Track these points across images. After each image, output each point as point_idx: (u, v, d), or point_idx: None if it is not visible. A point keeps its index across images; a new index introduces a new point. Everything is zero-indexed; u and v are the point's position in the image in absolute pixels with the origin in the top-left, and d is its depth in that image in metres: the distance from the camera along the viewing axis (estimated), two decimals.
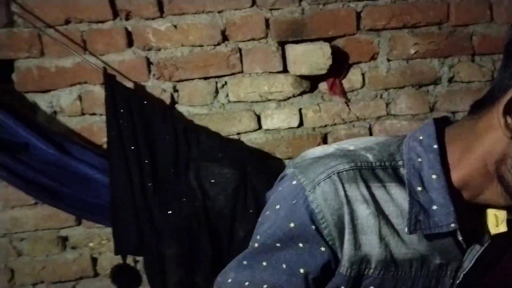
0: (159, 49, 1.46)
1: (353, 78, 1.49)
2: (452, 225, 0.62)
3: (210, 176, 1.29)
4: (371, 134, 1.52)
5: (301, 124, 1.51)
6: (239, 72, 1.47)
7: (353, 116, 1.50)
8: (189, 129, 1.34)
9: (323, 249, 0.64)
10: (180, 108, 1.49)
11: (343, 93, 1.48)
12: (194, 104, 1.49)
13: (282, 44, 1.46)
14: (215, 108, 1.49)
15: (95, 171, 1.22)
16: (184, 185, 1.27)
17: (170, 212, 1.23)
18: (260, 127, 1.51)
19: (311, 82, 1.50)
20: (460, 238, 0.63)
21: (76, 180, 1.20)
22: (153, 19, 1.43)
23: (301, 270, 0.65)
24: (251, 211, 1.31)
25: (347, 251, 0.64)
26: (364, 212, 0.64)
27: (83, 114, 1.47)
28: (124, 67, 1.45)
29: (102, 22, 1.42)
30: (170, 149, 1.28)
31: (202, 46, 1.45)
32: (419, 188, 0.64)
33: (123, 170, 1.21)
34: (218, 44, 1.45)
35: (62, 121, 1.46)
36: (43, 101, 1.45)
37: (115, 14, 1.42)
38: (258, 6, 1.43)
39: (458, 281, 0.68)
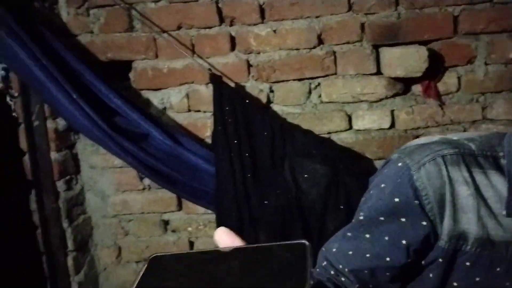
0: (258, 53, 1.57)
1: (448, 81, 1.49)
2: None
3: (304, 171, 1.37)
4: None
5: (392, 125, 1.55)
6: (332, 74, 1.54)
7: (447, 119, 1.51)
8: (285, 126, 1.44)
9: (424, 223, 0.70)
10: (275, 107, 1.59)
11: (438, 96, 1.49)
12: (288, 104, 1.59)
13: (376, 47, 1.51)
14: (308, 108, 1.58)
15: (202, 161, 1.36)
16: (279, 178, 1.36)
17: (266, 202, 1.33)
18: (350, 127, 1.56)
19: (404, 84, 1.53)
20: None
21: (187, 168, 1.34)
22: (255, 24, 1.55)
23: (403, 242, 0.71)
24: (341, 207, 1.37)
25: (446, 226, 0.69)
26: (464, 192, 0.69)
27: (189, 110, 1.62)
28: (227, 69, 1.58)
29: (210, 28, 1.57)
30: (268, 144, 1.38)
31: (298, 49, 1.54)
32: None
33: (227, 162, 1.33)
34: (314, 47, 1.53)
35: (171, 116, 1.63)
36: (155, 98, 1.63)
37: (221, 21, 1.56)
38: (354, 11, 1.49)
39: None
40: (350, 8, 1.49)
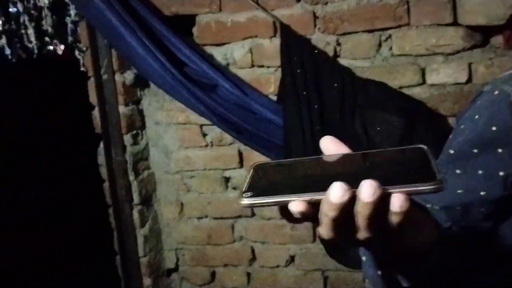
0: (325, 3, 1.51)
1: None
2: None
3: (376, 123, 1.31)
4: None
5: (469, 80, 1.45)
6: (405, 25, 1.46)
7: None
8: (356, 77, 1.38)
9: None
10: (342, 61, 1.52)
11: None
12: (356, 57, 1.52)
13: None
14: (378, 62, 1.50)
15: (270, 113, 1.33)
16: (349, 131, 1.31)
17: None
18: (424, 82, 1.48)
19: (483, 35, 1.42)
20: None
21: (254, 119, 1.32)
22: None
23: (501, 173, 0.66)
24: None
25: None
26: None
27: (252, 66, 1.59)
28: (292, 21, 1.52)
29: None
30: (337, 95, 1.33)
31: None
32: None
33: (296, 113, 1.30)
34: None
35: (234, 72, 1.60)
36: (218, 54, 1.61)
37: None
38: None
39: None
40: None
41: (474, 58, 1.44)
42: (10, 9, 1.31)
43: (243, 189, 0.45)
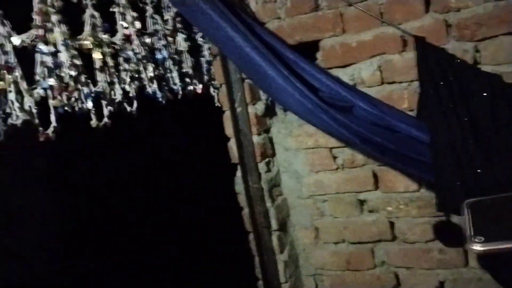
0: (458, 10, 1.42)
1: None
2: None
3: None
4: None
5: None
6: None
7: None
8: (506, 83, 1.26)
9: None
10: (484, 68, 1.41)
11: None
12: (500, 63, 1.39)
13: None
14: None
15: (414, 129, 1.27)
16: (506, 143, 1.19)
17: (494, 169, 1.17)
18: None
19: None
20: None
21: (397, 137, 1.27)
22: None
23: None
24: None
25: None
26: None
27: (382, 83, 1.54)
28: (422, 32, 1.45)
29: None
30: (488, 106, 1.23)
31: None
32: None
33: (445, 129, 1.22)
34: None
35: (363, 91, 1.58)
36: (345, 75, 1.59)
37: None
38: None
39: None
40: None
41: None
42: (157, 56, 1.46)
43: (470, 233, 0.43)
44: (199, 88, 1.57)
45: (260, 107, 1.64)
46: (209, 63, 1.61)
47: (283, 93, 1.31)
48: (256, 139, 1.64)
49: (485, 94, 1.23)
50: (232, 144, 1.64)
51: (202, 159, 2.75)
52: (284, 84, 1.29)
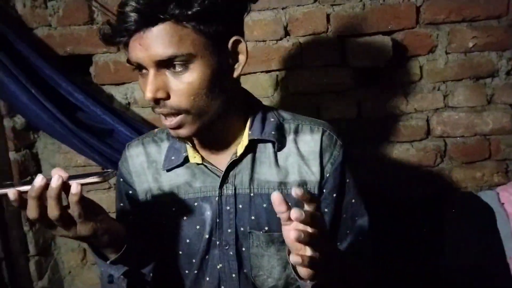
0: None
1: (411, 71, 1.53)
2: None
3: None
4: (428, 126, 1.55)
5: (359, 115, 1.57)
6: (298, 66, 1.54)
7: (410, 108, 1.55)
8: None
9: None
10: None
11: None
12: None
13: (341, 38, 1.52)
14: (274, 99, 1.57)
15: None
16: None
17: None
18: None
19: (369, 75, 1.55)
20: None
21: None
22: None
23: None
24: None
25: None
26: None
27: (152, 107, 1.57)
28: None
29: None
30: None
31: (265, 41, 1.53)
32: None
33: None
34: (281, 39, 1.52)
35: (136, 111, 1.58)
36: (118, 93, 1.57)
37: None
38: (320, 2, 1.49)
39: None
40: None
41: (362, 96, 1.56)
42: None
43: None
44: None
45: (20, 120, 1.49)
46: None
47: (31, 113, 1.22)
48: (14, 155, 1.48)
49: None
50: None
51: None
52: (30, 104, 1.20)
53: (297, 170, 0.94)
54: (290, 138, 0.96)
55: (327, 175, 0.96)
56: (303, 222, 0.65)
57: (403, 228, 1.41)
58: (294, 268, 0.75)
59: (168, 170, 0.96)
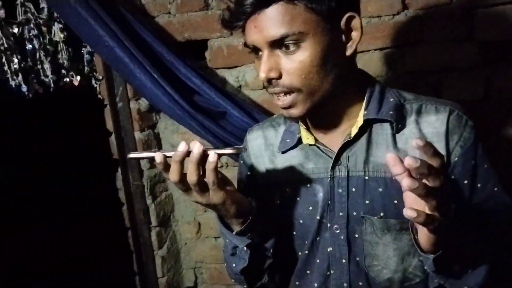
0: None
1: None
2: None
3: None
4: None
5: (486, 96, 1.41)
6: (418, 42, 1.43)
7: None
8: None
9: None
10: None
11: None
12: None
13: (466, 10, 1.36)
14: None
15: None
16: None
17: None
18: None
19: (499, 51, 1.38)
20: None
21: None
22: None
23: None
24: None
25: None
26: None
27: (264, 88, 1.59)
28: None
29: None
30: None
31: (380, 16, 1.44)
32: None
33: None
34: (398, 13, 1.42)
35: (246, 94, 1.61)
36: (231, 76, 1.62)
37: None
38: None
39: None
40: None
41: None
42: (27, 47, 1.37)
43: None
44: (76, 80, 1.51)
45: (144, 102, 1.62)
46: (91, 54, 1.55)
47: (153, 96, 1.31)
48: (138, 135, 1.62)
49: None
50: (113, 140, 1.61)
51: (83, 154, 2.66)
52: (153, 88, 1.28)
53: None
54: (411, 119, 0.90)
55: (455, 159, 0.87)
56: (419, 172, 0.61)
57: None
58: (416, 240, 0.73)
59: (283, 152, 0.99)
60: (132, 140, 1.59)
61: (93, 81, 1.57)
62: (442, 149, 0.86)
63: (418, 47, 1.43)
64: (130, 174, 1.62)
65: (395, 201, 0.87)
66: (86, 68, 1.53)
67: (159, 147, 1.74)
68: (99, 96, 1.59)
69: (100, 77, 1.55)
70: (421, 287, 0.91)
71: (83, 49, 1.55)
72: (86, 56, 1.53)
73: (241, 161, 1.08)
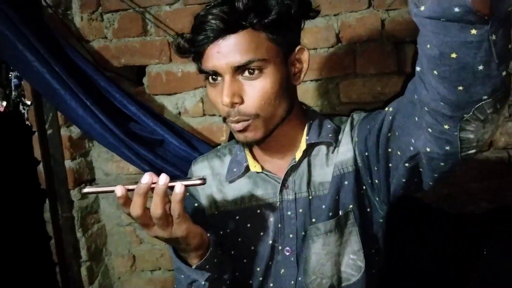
0: None
1: None
2: None
3: None
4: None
5: None
6: (351, 74, 1.49)
7: None
8: None
9: None
10: None
11: None
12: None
13: (397, 45, 1.45)
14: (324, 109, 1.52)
15: None
16: None
17: None
18: None
19: None
20: None
21: None
22: None
23: None
24: None
25: None
26: None
27: (204, 115, 1.58)
28: None
29: None
30: None
31: (316, 49, 1.49)
32: None
33: None
34: (332, 46, 1.48)
35: (186, 121, 1.59)
36: (170, 103, 1.59)
37: None
38: (375, 8, 1.43)
39: None
40: (370, 4, 1.44)
41: None
42: None
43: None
44: (2, 105, 1.41)
45: (75, 129, 1.54)
46: (19, 78, 1.46)
47: (85, 124, 1.25)
48: (69, 163, 1.53)
49: None
50: (41, 169, 1.51)
51: (8, 184, 2.49)
52: (85, 116, 1.23)
53: (340, 159, 0.95)
54: (342, 136, 0.98)
55: (357, 139, 0.94)
56: None
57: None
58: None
59: (230, 182, 1.01)
60: (62, 169, 1.50)
61: (21, 107, 1.48)
62: (349, 143, 0.94)
63: (351, 79, 1.49)
64: (59, 205, 1.52)
65: (323, 206, 0.93)
66: (13, 93, 1.44)
67: (92, 176, 1.65)
68: (27, 123, 1.49)
69: (29, 102, 1.46)
70: None
71: (10, 73, 1.46)
72: (14, 81, 1.44)
73: (187, 193, 1.05)
